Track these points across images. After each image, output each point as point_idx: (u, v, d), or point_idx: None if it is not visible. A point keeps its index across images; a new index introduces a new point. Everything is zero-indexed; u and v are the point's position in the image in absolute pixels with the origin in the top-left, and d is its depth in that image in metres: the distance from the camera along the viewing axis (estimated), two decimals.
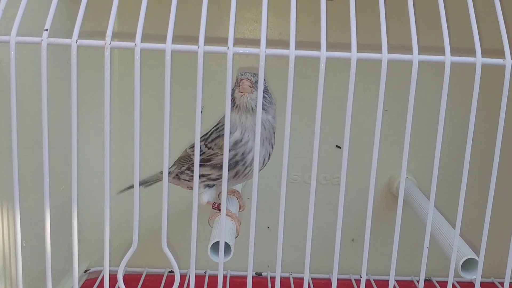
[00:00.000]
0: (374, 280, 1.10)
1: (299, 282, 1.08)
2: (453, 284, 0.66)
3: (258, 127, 0.59)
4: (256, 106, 0.77)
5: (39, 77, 0.57)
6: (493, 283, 1.12)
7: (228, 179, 0.62)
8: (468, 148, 0.61)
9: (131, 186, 0.92)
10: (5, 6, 0.59)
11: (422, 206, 0.93)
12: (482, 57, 0.59)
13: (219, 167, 0.80)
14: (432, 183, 0.62)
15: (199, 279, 1.08)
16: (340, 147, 1.09)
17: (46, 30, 0.57)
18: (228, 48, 0.56)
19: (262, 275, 1.13)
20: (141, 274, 1.10)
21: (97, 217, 1.07)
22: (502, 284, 1.09)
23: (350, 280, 1.11)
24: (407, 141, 0.60)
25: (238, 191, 0.95)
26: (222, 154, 0.78)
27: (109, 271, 0.63)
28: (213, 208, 0.84)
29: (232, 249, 0.72)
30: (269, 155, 0.83)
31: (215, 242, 0.72)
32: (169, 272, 1.11)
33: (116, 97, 1.05)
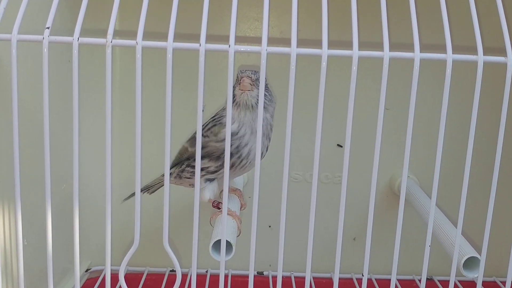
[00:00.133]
0: (375, 279, 1.10)
1: (300, 281, 1.08)
2: (454, 283, 0.66)
3: (260, 126, 0.59)
4: (256, 103, 0.78)
5: (40, 75, 0.57)
6: (495, 282, 1.11)
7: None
8: (470, 147, 0.61)
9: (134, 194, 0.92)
10: (6, 5, 0.59)
11: (424, 205, 0.93)
12: (484, 55, 0.58)
13: (216, 158, 0.80)
14: (433, 182, 0.62)
15: (201, 278, 1.08)
16: (341, 146, 1.09)
17: (48, 28, 0.57)
18: (229, 46, 0.56)
19: (263, 274, 1.12)
20: (142, 273, 1.10)
21: (98, 216, 1.07)
22: (504, 283, 1.10)
23: (351, 279, 1.11)
24: (409, 140, 0.60)
25: (239, 189, 0.95)
26: (217, 141, 0.79)
27: (110, 270, 0.63)
28: (213, 207, 0.84)
29: (234, 247, 0.72)
30: (267, 148, 0.84)
31: (217, 241, 0.72)
32: (170, 271, 1.11)
33: (117, 96, 1.05)
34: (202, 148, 0.80)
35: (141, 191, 0.94)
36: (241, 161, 0.80)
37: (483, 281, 0.67)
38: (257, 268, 1.13)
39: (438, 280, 1.10)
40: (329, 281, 1.11)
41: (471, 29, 0.60)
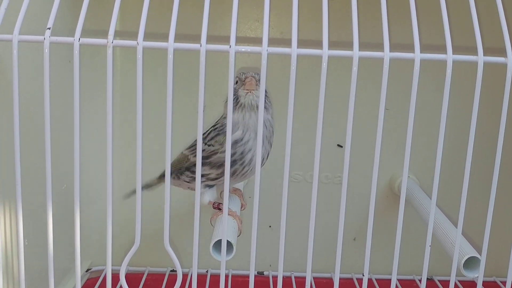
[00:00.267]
0: (375, 279, 1.10)
1: (300, 281, 1.08)
2: (454, 283, 0.66)
3: (260, 126, 0.59)
4: (265, 105, 0.78)
5: (41, 76, 0.57)
6: (495, 282, 1.11)
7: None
8: (470, 147, 0.61)
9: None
10: (7, 5, 0.59)
11: (424, 205, 0.93)
12: (484, 55, 0.59)
13: (217, 166, 0.80)
14: (434, 182, 0.62)
15: (201, 278, 1.08)
16: (341, 146, 1.09)
17: (49, 28, 0.57)
18: (230, 47, 0.56)
19: (264, 274, 1.13)
20: (143, 273, 1.10)
21: (99, 216, 1.07)
22: (504, 283, 1.10)
23: (351, 279, 1.11)
24: (409, 140, 0.60)
25: (240, 189, 0.95)
26: (223, 152, 0.79)
27: (111, 270, 0.63)
28: (213, 208, 0.84)
29: (234, 247, 0.72)
30: (268, 154, 0.84)
31: (217, 241, 0.72)
32: (170, 271, 1.11)
33: (118, 96, 1.05)
34: (207, 158, 0.80)
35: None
36: (243, 168, 0.80)
37: (483, 281, 0.67)
38: (257, 268, 1.13)
39: (438, 280, 1.11)
40: (329, 281, 1.12)
41: (471, 29, 0.60)
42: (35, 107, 0.77)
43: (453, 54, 0.58)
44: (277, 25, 1.06)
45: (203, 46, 0.56)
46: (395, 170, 1.10)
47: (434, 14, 0.67)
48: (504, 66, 0.59)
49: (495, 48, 0.62)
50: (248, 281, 0.65)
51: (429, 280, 1.11)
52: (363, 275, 0.64)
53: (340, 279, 0.65)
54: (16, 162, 0.60)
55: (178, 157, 0.87)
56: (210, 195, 0.83)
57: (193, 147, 0.85)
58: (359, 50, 0.57)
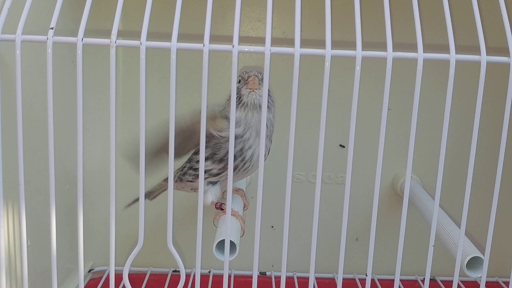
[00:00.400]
0: (378, 279, 1.10)
1: (303, 281, 1.08)
2: (457, 283, 0.66)
3: (263, 126, 0.59)
4: (268, 105, 0.78)
5: (43, 76, 0.57)
6: (497, 282, 1.11)
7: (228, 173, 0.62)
8: (473, 147, 0.61)
9: (137, 200, 0.91)
10: (10, 5, 0.59)
11: (426, 205, 0.93)
12: (487, 55, 0.59)
13: (219, 160, 0.80)
14: (437, 181, 0.62)
15: (203, 278, 1.08)
16: (343, 146, 1.09)
17: (52, 28, 0.57)
18: (233, 47, 0.56)
19: (266, 274, 1.12)
20: (145, 274, 1.10)
21: (101, 216, 1.07)
22: (506, 283, 1.09)
23: (354, 279, 1.11)
24: (412, 141, 0.60)
25: (242, 189, 0.95)
26: (223, 143, 0.78)
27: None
28: (216, 208, 0.84)
29: (238, 247, 0.72)
30: (269, 150, 0.84)
31: (220, 241, 0.72)
32: (173, 271, 1.11)
33: (120, 96, 1.05)
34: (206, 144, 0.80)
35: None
36: (244, 164, 0.80)
37: (486, 281, 0.67)
38: (260, 268, 1.13)
39: (441, 281, 1.10)
40: (331, 281, 1.11)
41: (473, 29, 0.60)
42: (37, 107, 0.78)
43: (456, 53, 0.58)
44: (279, 25, 1.06)
45: (206, 46, 0.56)
46: (397, 170, 1.10)
47: (436, 14, 0.67)
48: (507, 65, 0.59)
49: (497, 47, 0.62)
50: (250, 282, 0.65)
51: (432, 281, 1.11)
52: (366, 275, 0.64)
53: (342, 279, 0.65)
54: (19, 162, 0.60)
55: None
56: (213, 194, 0.83)
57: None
58: (362, 50, 0.57)
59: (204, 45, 0.56)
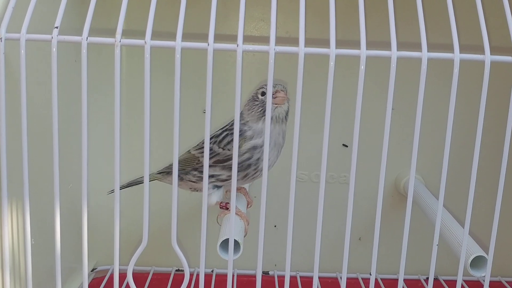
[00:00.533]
0: (380, 278, 1.10)
1: (305, 281, 1.08)
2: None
3: (268, 126, 0.59)
4: (285, 117, 0.80)
5: (46, 75, 0.57)
6: (500, 282, 1.11)
7: (237, 180, 0.62)
8: (477, 146, 0.61)
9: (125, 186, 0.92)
10: (15, 4, 0.59)
11: (429, 204, 0.93)
12: (491, 54, 0.58)
13: (229, 167, 0.80)
14: (441, 181, 0.62)
15: (206, 277, 1.08)
16: (346, 146, 1.09)
17: (56, 27, 0.57)
18: (237, 46, 0.56)
19: (269, 273, 1.13)
20: (148, 273, 1.10)
21: (103, 216, 1.07)
22: (509, 283, 1.10)
23: (357, 278, 1.11)
24: (416, 140, 0.60)
25: (244, 187, 0.95)
26: (241, 155, 0.79)
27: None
28: (220, 207, 0.84)
29: (241, 246, 0.72)
30: (277, 158, 0.84)
31: (224, 240, 0.72)
32: (176, 270, 1.11)
33: (123, 95, 1.05)
34: (222, 162, 0.81)
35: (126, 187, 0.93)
36: (255, 172, 0.81)
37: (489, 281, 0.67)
38: (263, 267, 1.13)
39: (444, 280, 1.10)
40: (334, 280, 1.12)
41: (478, 28, 0.60)
42: (41, 106, 0.78)
43: (460, 53, 0.58)
44: (283, 24, 1.06)
45: (211, 45, 0.56)
46: (400, 170, 1.10)
47: (440, 13, 0.67)
48: (511, 65, 0.59)
49: (501, 47, 0.62)
50: (252, 281, 0.65)
51: (435, 280, 1.11)
52: (370, 274, 0.64)
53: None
54: (23, 161, 0.60)
55: (184, 157, 0.87)
56: (217, 196, 0.83)
57: (202, 148, 0.85)
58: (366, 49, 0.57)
59: (208, 44, 0.56)
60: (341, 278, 1.07)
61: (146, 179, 0.61)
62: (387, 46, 0.58)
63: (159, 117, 0.90)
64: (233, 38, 0.57)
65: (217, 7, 0.59)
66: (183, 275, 0.65)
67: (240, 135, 0.80)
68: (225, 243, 0.72)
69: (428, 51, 0.58)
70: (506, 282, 1.10)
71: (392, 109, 0.59)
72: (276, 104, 0.78)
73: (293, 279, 1.10)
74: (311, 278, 0.65)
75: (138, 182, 0.92)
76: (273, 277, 1.11)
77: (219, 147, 0.81)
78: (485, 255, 0.72)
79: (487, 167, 0.82)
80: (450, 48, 0.59)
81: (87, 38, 0.57)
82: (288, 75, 0.76)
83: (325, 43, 0.58)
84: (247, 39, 1.06)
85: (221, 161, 0.81)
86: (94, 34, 0.58)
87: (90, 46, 0.57)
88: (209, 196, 0.82)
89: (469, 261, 0.72)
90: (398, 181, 1.09)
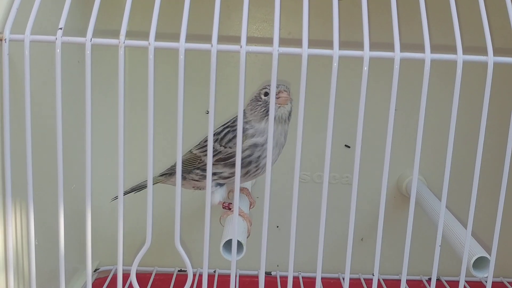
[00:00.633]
0: (382, 279, 1.10)
1: (308, 281, 1.08)
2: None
3: (271, 127, 0.59)
4: (288, 117, 0.80)
5: (50, 75, 0.57)
6: (502, 282, 1.11)
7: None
8: (480, 147, 0.61)
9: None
10: (19, 5, 0.60)
11: (432, 205, 0.93)
12: (494, 56, 0.59)
13: (232, 165, 0.80)
14: (444, 182, 0.62)
15: (209, 278, 1.08)
16: (349, 147, 1.09)
17: (61, 29, 0.57)
18: (241, 47, 0.57)
19: (271, 274, 1.13)
20: (151, 273, 1.10)
21: (106, 216, 1.07)
22: (511, 283, 1.10)
23: (359, 279, 1.11)
24: (419, 141, 0.60)
25: (246, 188, 0.95)
26: (242, 151, 0.79)
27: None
28: (223, 208, 0.84)
29: (244, 247, 0.73)
30: (278, 156, 0.85)
31: (227, 241, 0.72)
32: (178, 271, 1.11)
33: (126, 96, 1.05)
34: (224, 160, 0.81)
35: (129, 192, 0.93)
36: (256, 170, 0.81)
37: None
38: (265, 268, 1.13)
39: (446, 281, 1.10)
40: (337, 281, 1.11)
41: (481, 30, 0.60)
42: (45, 107, 0.78)
43: (463, 54, 0.58)
44: (285, 25, 1.06)
45: (214, 46, 0.56)
46: (402, 171, 1.10)
47: (443, 14, 0.67)
48: None
49: (504, 48, 0.62)
50: (255, 281, 0.65)
51: (437, 281, 1.11)
52: (373, 275, 0.64)
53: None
54: (27, 162, 0.60)
55: (186, 157, 0.87)
56: (220, 195, 0.83)
57: (204, 147, 0.85)
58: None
59: (212, 46, 0.56)
60: (343, 278, 1.07)
61: (150, 179, 0.61)
62: (390, 47, 0.58)
63: (161, 117, 0.90)
64: (235, 39, 0.57)
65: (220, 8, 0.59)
66: (185, 276, 0.65)
67: (243, 133, 0.81)
68: (228, 244, 0.73)
69: (431, 53, 0.58)
70: (508, 282, 1.10)
71: (395, 109, 0.59)
72: (279, 104, 0.78)
73: (295, 279, 1.10)
74: (313, 278, 0.65)
75: (142, 187, 0.92)
76: (275, 277, 1.11)
77: (220, 145, 0.82)
78: (487, 256, 0.72)
79: (490, 168, 0.82)
80: (453, 50, 0.59)
81: (91, 39, 0.57)
82: (290, 76, 0.76)
83: (328, 44, 0.58)
84: (249, 40, 1.07)
85: (223, 159, 0.81)
86: (97, 35, 0.58)
87: (93, 47, 0.57)
88: (212, 194, 0.83)
89: (472, 262, 0.72)
90: (400, 182, 1.09)
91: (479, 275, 0.73)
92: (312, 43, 0.58)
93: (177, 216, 0.61)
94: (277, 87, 0.77)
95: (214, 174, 0.81)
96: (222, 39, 0.57)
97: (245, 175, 0.80)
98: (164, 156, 0.89)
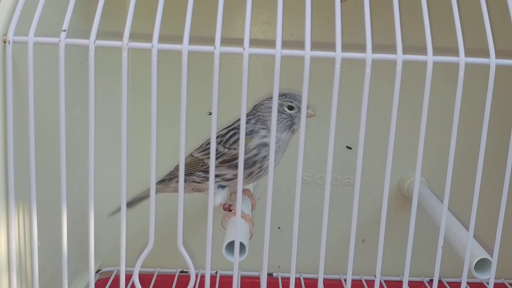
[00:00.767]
0: (384, 280, 1.10)
1: (309, 282, 1.08)
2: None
3: (274, 132, 0.59)
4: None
5: (53, 77, 0.57)
6: (504, 284, 1.11)
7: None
8: (482, 149, 0.61)
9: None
10: (22, 7, 0.60)
11: (433, 206, 0.93)
12: (496, 58, 0.59)
13: (234, 166, 0.80)
14: (446, 184, 0.62)
15: (210, 279, 1.08)
16: (350, 148, 1.09)
17: (64, 31, 0.57)
18: (244, 49, 0.57)
19: (273, 275, 1.13)
20: (152, 274, 1.10)
21: (108, 217, 1.07)
22: None
23: (360, 280, 1.11)
24: (421, 143, 0.60)
25: (248, 189, 0.95)
26: (249, 151, 0.80)
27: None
28: (224, 209, 0.84)
29: (247, 248, 0.73)
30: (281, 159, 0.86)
31: (229, 242, 0.72)
32: (180, 272, 1.11)
33: (129, 98, 1.05)
34: (228, 162, 0.81)
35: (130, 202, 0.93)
36: (260, 171, 0.81)
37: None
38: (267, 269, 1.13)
39: (447, 282, 1.10)
40: (338, 282, 1.12)
41: (483, 32, 0.60)
42: (47, 108, 0.78)
43: (465, 56, 0.58)
44: (288, 27, 1.06)
45: (217, 48, 0.56)
46: (404, 172, 1.10)
47: (445, 17, 0.68)
48: None
49: (507, 50, 0.62)
50: (256, 282, 0.65)
51: (438, 282, 1.11)
52: (375, 277, 0.64)
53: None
54: (30, 164, 0.60)
55: (188, 161, 0.87)
56: (221, 197, 0.83)
57: (207, 150, 0.85)
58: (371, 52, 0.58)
59: (215, 48, 0.57)
60: (344, 280, 1.07)
61: (153, 182, 0.61)
62: (393, 49, 0.59)
63: (163, 119, 0.90)
64: (238, 41, 0.57)
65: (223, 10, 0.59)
66: (187, 277, 0.65)
67: (252, 133, 0.81)
68: (230, 245, 0.73)
69: (433, 55, 0.58)
70: (510, 284, 1.11)
71: (397, 111, 0.59)
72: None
73: (297, 280, 1.10)
74: (314, 280, 0.65)
75: (143, 197, 0.93)
76: (277, 278, 1.11)
77: (224, 147, 0.81)
78: (489, 257, 0.72)
79: (492, 170, 0.82)
80: (455, 52, 0.59)
81: (94, 41, 0.57)
82: (292, 77, 0.76)
83: (330, 46, 0.58)
84: (252, 42, 1.06)
85: (227, 161, 0.81)
86: (100, 37, 0.58)
87: (96, 49, 0.58)
88: (214, 195, 0.83)
89: (473, 263, 0.72)
90: (402, 184, 1.09)
91: (480, 276, 0.73)
92: (314, 45, 0.58)
93: (180, 218, 0.61)
94: (297, 100, 0.78)
95: (216, 176, 0.81)
96: (224, 41, 0.58)
97: (248, 176, 0.80)
98: (166, 158, 0.89)
